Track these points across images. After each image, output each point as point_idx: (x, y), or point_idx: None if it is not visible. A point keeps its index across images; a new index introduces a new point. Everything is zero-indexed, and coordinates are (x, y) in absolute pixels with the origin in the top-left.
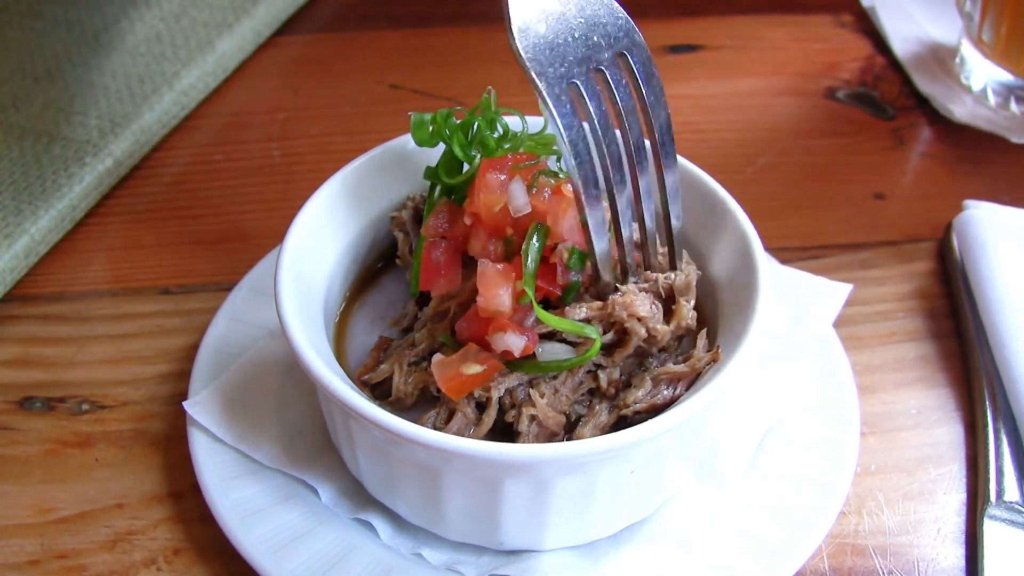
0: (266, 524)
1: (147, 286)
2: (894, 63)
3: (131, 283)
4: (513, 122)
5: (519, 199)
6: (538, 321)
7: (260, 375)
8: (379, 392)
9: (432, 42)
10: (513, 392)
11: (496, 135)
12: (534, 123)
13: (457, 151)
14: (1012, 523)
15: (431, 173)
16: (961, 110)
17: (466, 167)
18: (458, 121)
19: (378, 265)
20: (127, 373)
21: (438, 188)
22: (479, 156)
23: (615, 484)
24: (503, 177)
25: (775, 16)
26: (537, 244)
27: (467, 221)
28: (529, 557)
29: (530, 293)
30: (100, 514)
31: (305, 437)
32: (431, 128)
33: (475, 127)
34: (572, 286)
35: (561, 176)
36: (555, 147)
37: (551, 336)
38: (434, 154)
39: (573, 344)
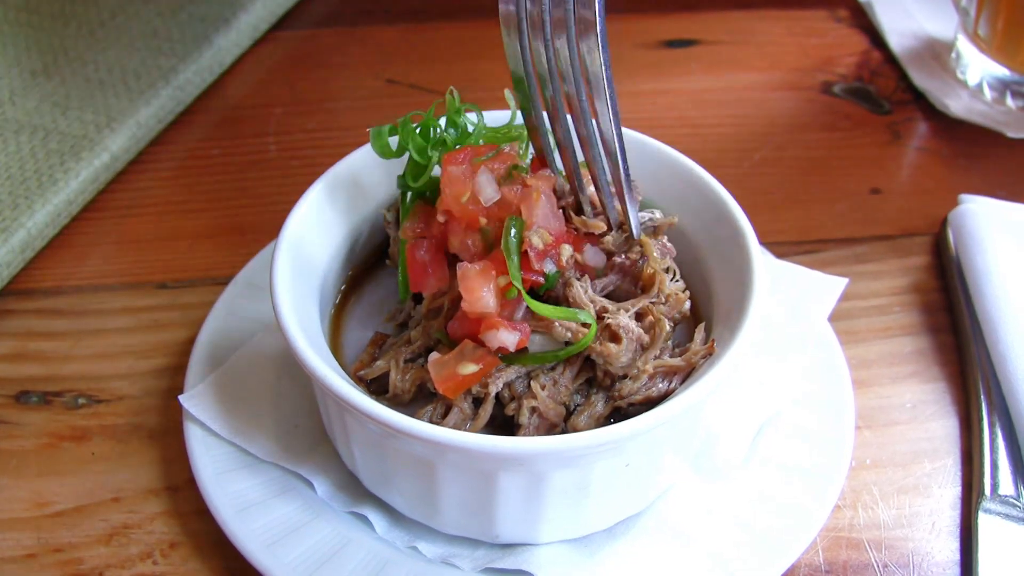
0: (262, 518)
1: (143, 280)
2: (890, 58)
3: (127, 277)
4: (475, 118)
5: (487, 189)
6: (528, 313)
7: (256, 369)
8: (375, 388)
9: (429, 37)
10: (512, 385)
11: (455, 134)
12: (500, 117)
13: (414, 155)
14: (1007, 517)
15: (401, 181)
16: (957, 105)
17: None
18: (415, 124)
19: (374, 259)
20: (123, 367)
21: (409, 194)
22: (435, 159)
23: (610, 477)
24: (464, 168)
25: (771, 11)
26: (515, 238)
27: (440, 219)
28: (525, 550)
29: (518, 285)
30: (96, 508)
31: (301, 431)
32: (393, 139)
33: (433, 130)
34: (551, 276)
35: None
36: (515, 135)
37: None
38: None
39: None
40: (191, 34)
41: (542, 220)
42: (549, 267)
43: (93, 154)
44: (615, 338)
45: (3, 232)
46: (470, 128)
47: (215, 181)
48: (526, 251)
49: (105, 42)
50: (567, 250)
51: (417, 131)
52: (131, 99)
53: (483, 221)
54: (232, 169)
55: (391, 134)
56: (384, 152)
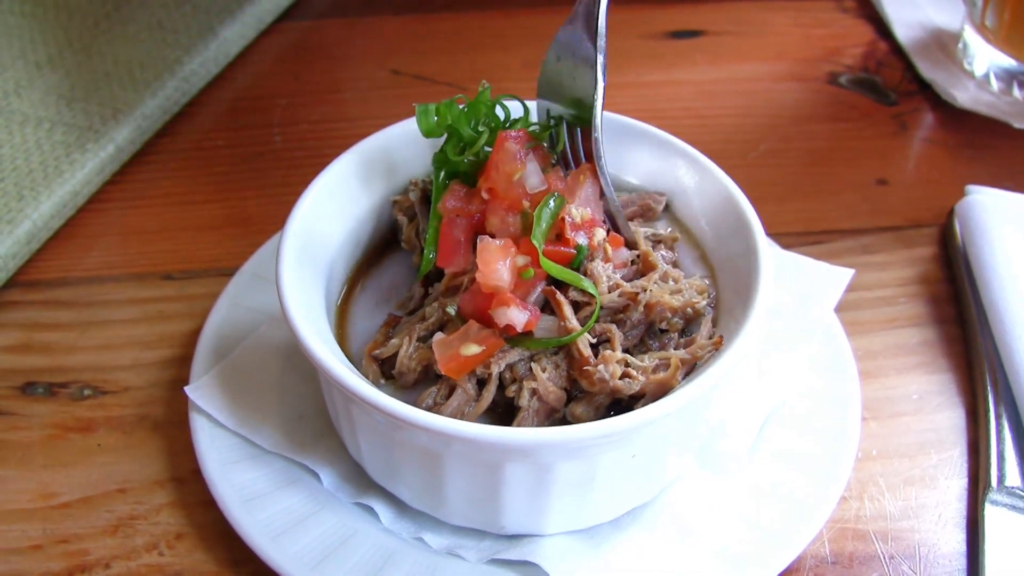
0: (267, 508)
1: (149, 271)
2: (896, 48)
3: (133, 269)
4: (512, 106)
5: (534, 177)
6: (540, 298)
7: (262, 360)
8: (385, 368)
9: (433, 28)
10: (514, 367)
11: (501, 116)
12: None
13: (463, 130)
14: (1013, 508)
15: (439, 158)
16: (964, 96)
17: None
18: (461, 106)
19: (380, 250)
20: (129, 358)
21: (443, 173)
22: (484, 135)
23: (616, 468)
24: (520, 147)
25: (777, 1)
26: (551, 208)
27: (484, 196)
28: (530, 542)
29: (537, 245)
30: (102, 499)
31: (306, 421)
32: (435, 118)
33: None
34: (581, 247)
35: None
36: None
37: (548, 313)
38: (434, 140)
39: None
40: (196, 25)
41: (583, 202)
42: (581, 239)
43: (99, 145)
44: (590, 383)
45: (9, 223)
46: (513, 116)
47: (220, 172)
48: (563, 220)
49: (110, 34)
50: (600, 233)
51: (464, 110)
52: (136, 91)
53: (526, 204)
54: (237, 160)
55: (436, 114)
56: (428, 130)
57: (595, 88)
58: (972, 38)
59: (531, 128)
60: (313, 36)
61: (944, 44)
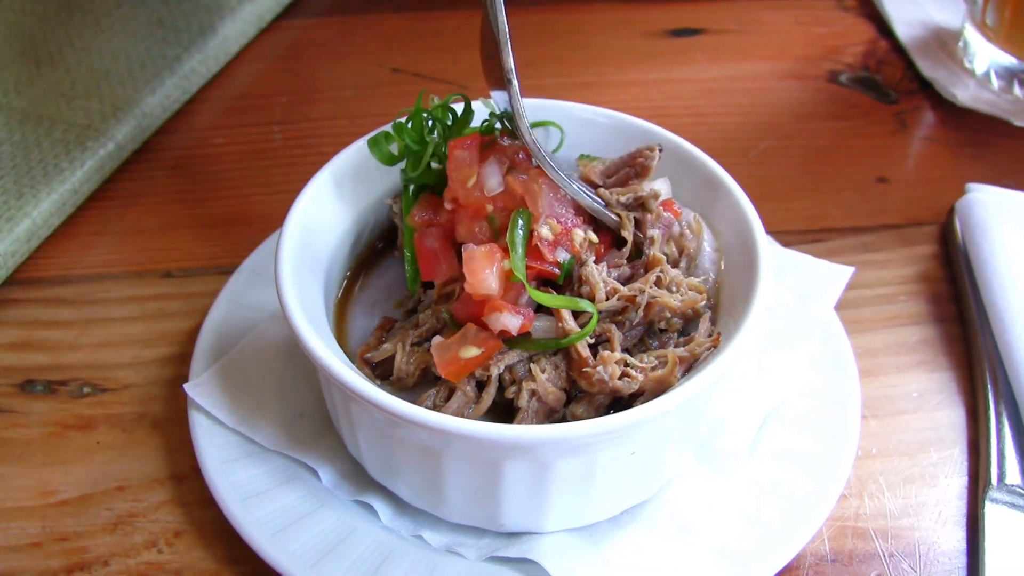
0: (266, 506)
1: (149, 269)
2: (897, 47)
3: (133, 266)
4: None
5: (492, 179)
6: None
7: (261, 358)
8: (380, 371)
9: (434, 26)
10: (513, 369)
11: (452, 119)
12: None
13: (411, 145)
14: (1013, 506)
15: (404, 173)
16: (964, 94)
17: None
18: (403, 119)
19: (379, 247)
20: (128, 356)
21: (412, 186)
22: (431, 146)
23: (616, 466)
24: (470, 153)
25: (777, 0)
26: (522, 231)
27: (448, 207)
28: (530, 539)
29: (521, 277)
30: (101, 497)
31: (306, 419)
32: (393, 144)
33: (429, 121)
34: (564, 264)
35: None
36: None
37: (546, 313)
38: None
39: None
40: (196, 23)
41: (548, 209)
42: (563, 255)
43: (98, 143)
44: (589, 383)
45: (9, 221)
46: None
47: (220, 170)
48: (536, 245)
49: (110, 31)
50: (579, 235)
51: (409, 125)
52: (136, 88)
53: (489, 208)
54: (237, 158)
55: (388, 141)
56: (386, 160)
57: (510, 95)
58: (973, 36)
59: (484, 127)
60: (313, 34)
61: (945, 42)
